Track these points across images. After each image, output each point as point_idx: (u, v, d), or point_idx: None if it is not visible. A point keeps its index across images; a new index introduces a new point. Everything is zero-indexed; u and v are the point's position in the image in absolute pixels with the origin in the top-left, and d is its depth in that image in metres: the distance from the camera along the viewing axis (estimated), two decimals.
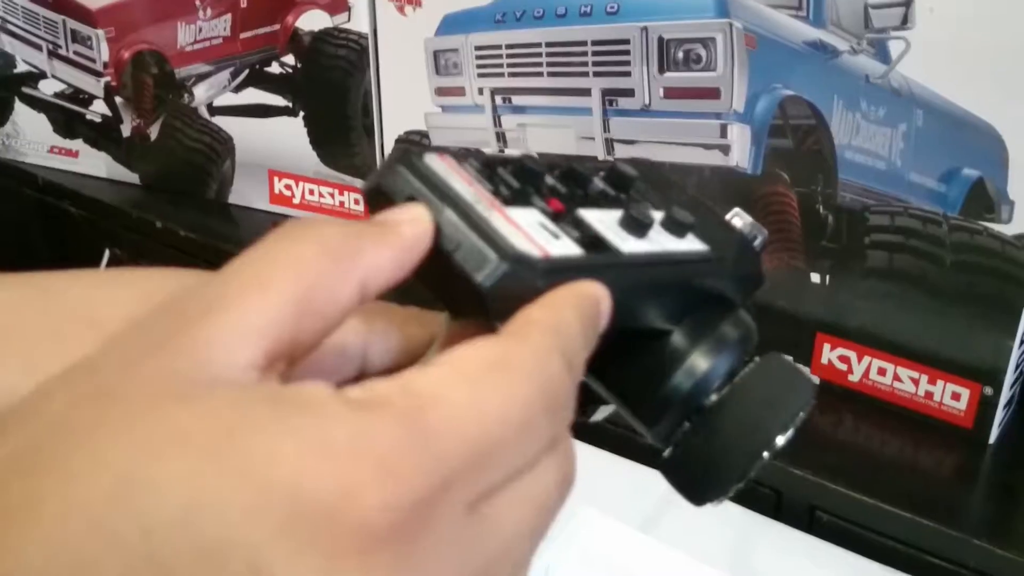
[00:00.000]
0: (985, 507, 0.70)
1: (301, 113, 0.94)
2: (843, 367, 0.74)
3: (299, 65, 0.92)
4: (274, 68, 0.93)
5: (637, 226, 0.30)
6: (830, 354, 0.75)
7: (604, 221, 0.30)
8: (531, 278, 0.25)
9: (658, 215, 0.31)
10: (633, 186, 0.32)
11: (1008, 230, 0.65)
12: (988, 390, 0.69)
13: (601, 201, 0.31)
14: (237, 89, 0.95)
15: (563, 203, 0.29)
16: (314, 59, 0.90)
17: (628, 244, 0.29)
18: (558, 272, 0.26)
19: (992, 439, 0.71)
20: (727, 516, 0.68)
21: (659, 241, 0.30)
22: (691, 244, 0.31)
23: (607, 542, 0.62)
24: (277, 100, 0.94)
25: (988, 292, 0.66)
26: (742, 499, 0.69)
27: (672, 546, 0.64)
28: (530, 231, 0.27)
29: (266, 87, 0.94)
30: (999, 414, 0.70)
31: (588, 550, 0.61)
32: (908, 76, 0.65)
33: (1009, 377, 0.68)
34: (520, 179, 0.29)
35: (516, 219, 0.27)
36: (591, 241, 0.28)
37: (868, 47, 0.66)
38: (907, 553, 0.66)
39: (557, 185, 0.30)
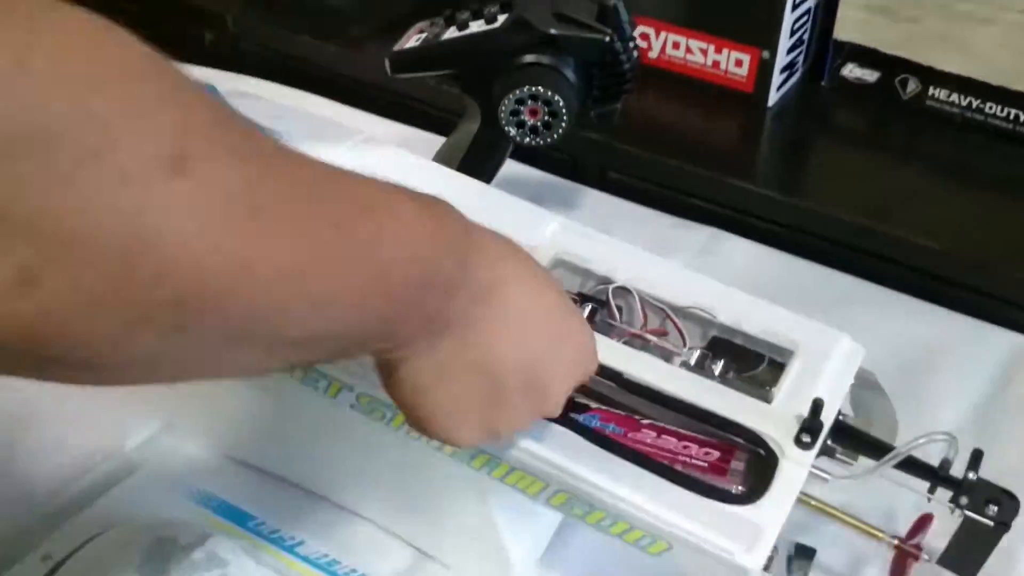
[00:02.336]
0: (765, 162, 0.78)
1: None
2: (643, 44, 0.79)
3: None
4: None
5: (460, 25, 0.56)
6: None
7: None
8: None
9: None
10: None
11: None
12: (766, 54, 0.75)
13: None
14: None
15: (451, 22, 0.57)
16: None
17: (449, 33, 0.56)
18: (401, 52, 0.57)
19: (771, 102, 0.77)
20: (528, 177, 0.74)
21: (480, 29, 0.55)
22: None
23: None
24: None
25: None
26: (542, 164, 0.75)
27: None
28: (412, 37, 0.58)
29: None
30: (776, 78, 0.76)
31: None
32: None
33: (784, 41, 0.74)
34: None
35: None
36: (433, 38, 0.56)
37: None
38: (701, 206, 0.73)
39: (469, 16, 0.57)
